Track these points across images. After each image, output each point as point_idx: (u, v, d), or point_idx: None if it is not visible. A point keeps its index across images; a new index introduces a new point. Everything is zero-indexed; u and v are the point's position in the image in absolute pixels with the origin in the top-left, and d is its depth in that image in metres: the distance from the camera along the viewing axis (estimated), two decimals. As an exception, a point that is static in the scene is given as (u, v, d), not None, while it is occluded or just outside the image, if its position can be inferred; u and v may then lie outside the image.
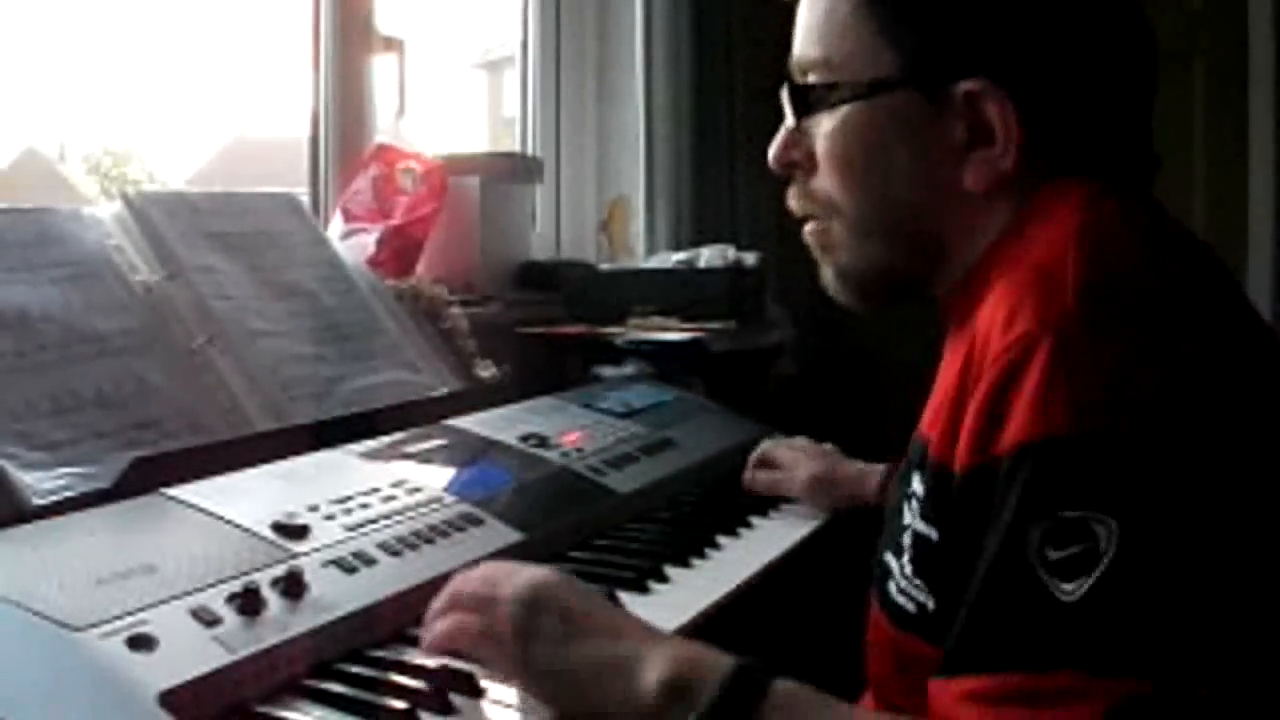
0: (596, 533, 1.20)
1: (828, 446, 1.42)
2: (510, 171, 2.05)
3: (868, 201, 0.85)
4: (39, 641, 0.75)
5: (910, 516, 0.79)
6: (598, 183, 2.54)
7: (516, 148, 2.44)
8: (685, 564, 1.13)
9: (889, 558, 0.82)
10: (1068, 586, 0.62)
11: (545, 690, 0.78)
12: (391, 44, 2.01)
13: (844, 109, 0.84)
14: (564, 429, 1.39)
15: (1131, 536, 0.62)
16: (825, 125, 0.85)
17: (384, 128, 1.99)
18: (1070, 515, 0.63)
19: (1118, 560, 0.62)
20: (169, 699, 0.73)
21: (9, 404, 1.02)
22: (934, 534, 0.75)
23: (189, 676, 0.76)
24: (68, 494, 0.98)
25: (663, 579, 1.08)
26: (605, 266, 2.29)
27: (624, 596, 1.02)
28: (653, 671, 0.72)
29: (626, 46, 2.46)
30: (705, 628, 1.00)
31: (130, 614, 0.79)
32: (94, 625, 0.77)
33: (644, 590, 1.05)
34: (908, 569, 0.78)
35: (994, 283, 0.78)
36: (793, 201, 0.90)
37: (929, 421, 0.80)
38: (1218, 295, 0.76)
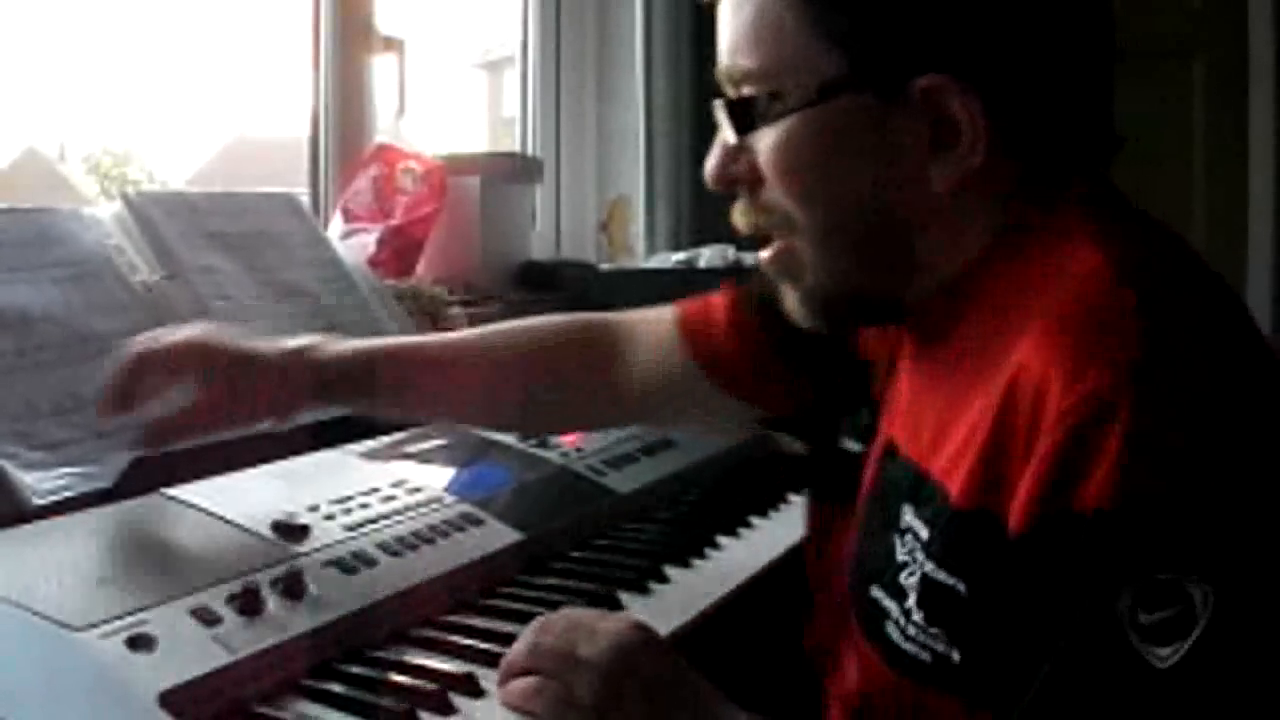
0: (596, 533, 1.20)
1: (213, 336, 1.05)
2: (510, 171, 2.05)
3: (828, 213, 0.77)
4: (39, 641, 0.75)
5: (906, 555, 0.75)
6: (598, 183, 2.54)
7: (516, 148, 2.44)
8: (685, 564, 1.13)
9: (881, 596, 0.78)
10: (1162, 652, 0.60)
11: None
12: (391, 44, 2.01)
13: (790, 119, 0.76)
14: (564, 429, 1.39)
15: (1226, 599, 0.60)
16: (769, 139, 0.77)
17: (384, 128, 1.99)
18: (1164, 577, 0.60)
19: (1214, 624, 0.59)
20: (169, 699, 0.73)
21: (9, 404, 1.02)
22: (960, 585, 0.71)
23: (189, 676, 0.76)
24: (68, 494, 0.98)
25: (663, 579, 1.08)
26: (605, 266, 2.29)
27: (624, 596, 1.03)
28: None
29: (626, 46, 2.46)
30: (705, 628, 1.01)
31: (130, 614, 0.79)
32: (94, 625, 0.77)
33: (644, 590, 1.05)
34: (916, 616, 0.74)
35: (999, 308, 0.74)
36: (740, 218, 0.82)
37: (935, 459, 0.75)
38: (1241, 317, 0.73)
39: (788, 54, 0.75)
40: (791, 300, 0.83)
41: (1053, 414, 0.65)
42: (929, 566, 0.73)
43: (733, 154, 0.80)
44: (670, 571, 1.10)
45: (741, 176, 0.80)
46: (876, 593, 0.78)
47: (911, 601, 0.74)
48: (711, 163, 0.81)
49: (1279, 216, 2.65)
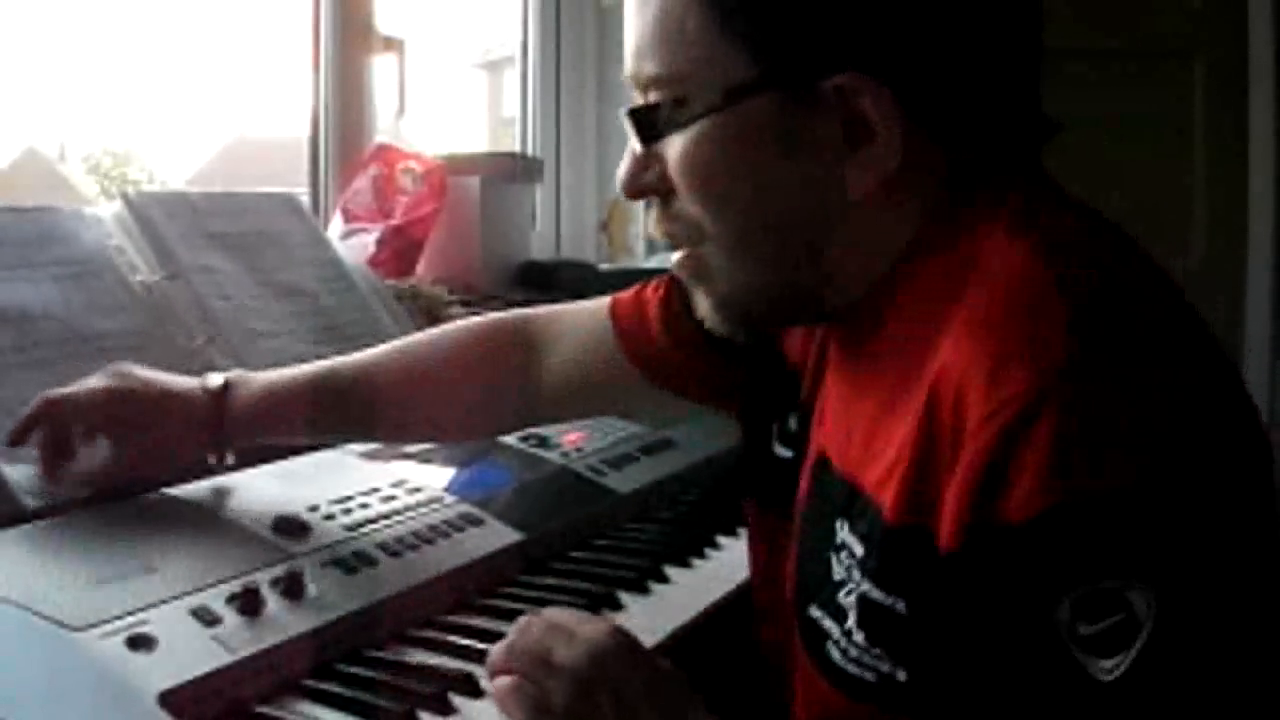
0: (596, 533, 1.20)
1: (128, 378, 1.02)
2: (510, 171, 2.05)
3: (740, 221, 0.74)
4: (39, 641, 0.75)
5: (844, 573, 0.73)
6: (598, 183, 2.54)
7: (516, 148, 2.44)
8: (685, 564, 1.13)
9: (820, 615, 0.75)
10: (1106, 664, 0.57)
11: None
12: (391, 44, 2.01)
13: (698, 125, 0.72)
14: (564, 429, 1.39)
15: (1169, 603, 0.57)
16: (677, 146, 0.74)
17: (384, 128, 1.99)
18: (1103, 585, 0.58)
19: (1158, 631, 0.57)
20: (169, 699, 0.73)
21: (8, 403, 1.02)
22: (899, 605, 0.68)
23: (189, 676, 0.76)
24: (68, 494, 0.98)
25: (663, 579, 1.08)
26: (605, 266, 2.29)
27: (624, 596, 1.03)
28: None
29: (626, 46, 2.46)
30: (705, 628, 1.01)
31: (130, 614, 0.79)
32: (94, 625, 0.77)
33: (644, 590, 1.05)
34: (858, 637, 0.71)
35: (923, 310, 0.71)
36: (654, 227, 0.80)
37: (867, 473, 0.73)
38: (1176, 304, 0.70)
39: (692, 57, 0.72)
40: (704, 306, 0.80)
41: (975, 420, 0.63)
42: (866, 586, 0.71)
43: (643, 163, 0.77)
44: (670, 571, 1.10)
45: (653, 186, 0.77)
46: (816, 612, 0.76)
47: (851, 622, 0.72)
48: (621, 172, 0.78)
49: (1279, 216, 2.65)
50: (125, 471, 0.99)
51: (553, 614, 0.78)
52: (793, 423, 0.89)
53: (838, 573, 0.74)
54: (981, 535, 0.62)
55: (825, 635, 0.74)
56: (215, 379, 1.03)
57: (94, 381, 0.99)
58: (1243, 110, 2.65)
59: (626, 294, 1.06)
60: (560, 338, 1.08)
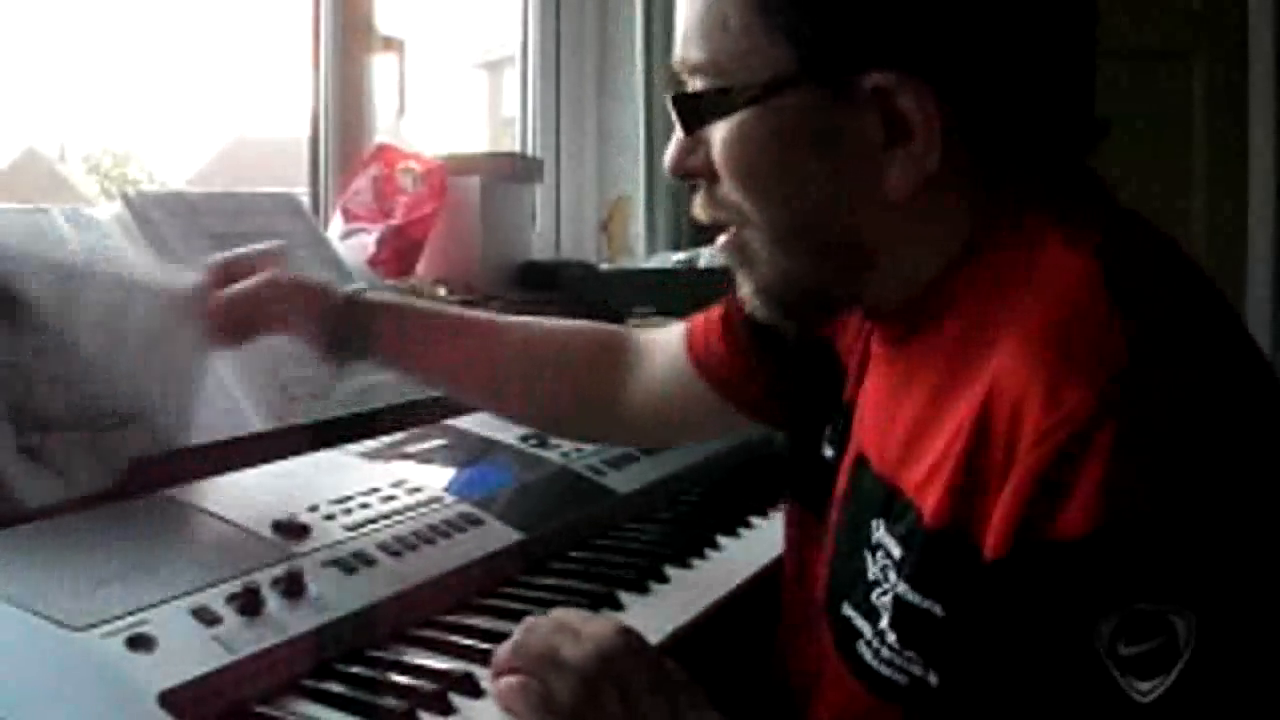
0: (596, 533, 1.20)
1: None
2: (510, 171, 2.05)
3: (780, 212, 0.75)
4: (39, 641, 0.75)
5: (878, 573, 0.73)
6: (598, 183, 2.54)
7: (516, 148, 2.44)
8: (685, 564, 1.13)
9: (853, 614, 0.76)
10: (1143, 686, 0.58)
11: None
12: (391, 44, 2.01)
13: (739, 115, 0.74)
14: (564, 429, 1.39)
15: (1211, 630, 0.58)
16: (720, 133, 0.75)
17: (384, 128, 1.99)
18: (1146, 607, 0.58)
19: (1197, 656, 0.57)
20: (169, 699, 0.73)
21: (9, 404, 1.02)
22: (936, 609, 0.69)
23: (189, 676, 0.76)
24: (68, 494, 0.98)
25: (663, 579, 1.08)
26: (605, 266, 2.29)
27: (624, 596, 1.03)
28: None
29: (626, 46, 2.46)
30: (705, 628, 1.01)
31: (130, 614, 0.79)
32: (94, 625, 0.77)
33: (644, 590, 1.05)
34: (890, 638, 0.72)
35: (977, 315, 0.71)
36: (699, 211, 0.81)
37: (908, 474, 0.73)
38: (1227, 318, 0.70)
39: (736, 48, 0.73)
40: (746, 290, 0.81)
41: (1031, 436, 0.63)
42: (902, 588, 0.71)
43: (690, 146, 0.78)
44: (670, 571, 1.10)
45: (698, 169, 0.78)
46: (848, 610, 0.76)
47: (885, 623, 0.72)
48: (669, 155, 0.80)
49: (1279, 217, 2.65)
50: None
51: (558, 614, 0.79)
52: (839, 422, 0.89)
53: (872, 572, 0.74)
54: (1030, 548, 0.62)
55: (857, 634, 0.75)
56: (354, 287, 1.10)
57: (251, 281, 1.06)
58: (1243, 110, 2.65)
59: (700, 314, 1.09)
60: (646, 359, 1.12)
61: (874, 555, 0.74)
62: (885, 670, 0.72)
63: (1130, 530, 0.59)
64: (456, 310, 1.19)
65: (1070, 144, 0.76)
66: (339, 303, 1.07)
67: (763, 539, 1.24)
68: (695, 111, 0.76)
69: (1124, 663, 0.58)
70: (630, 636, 0.76)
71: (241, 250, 1.11)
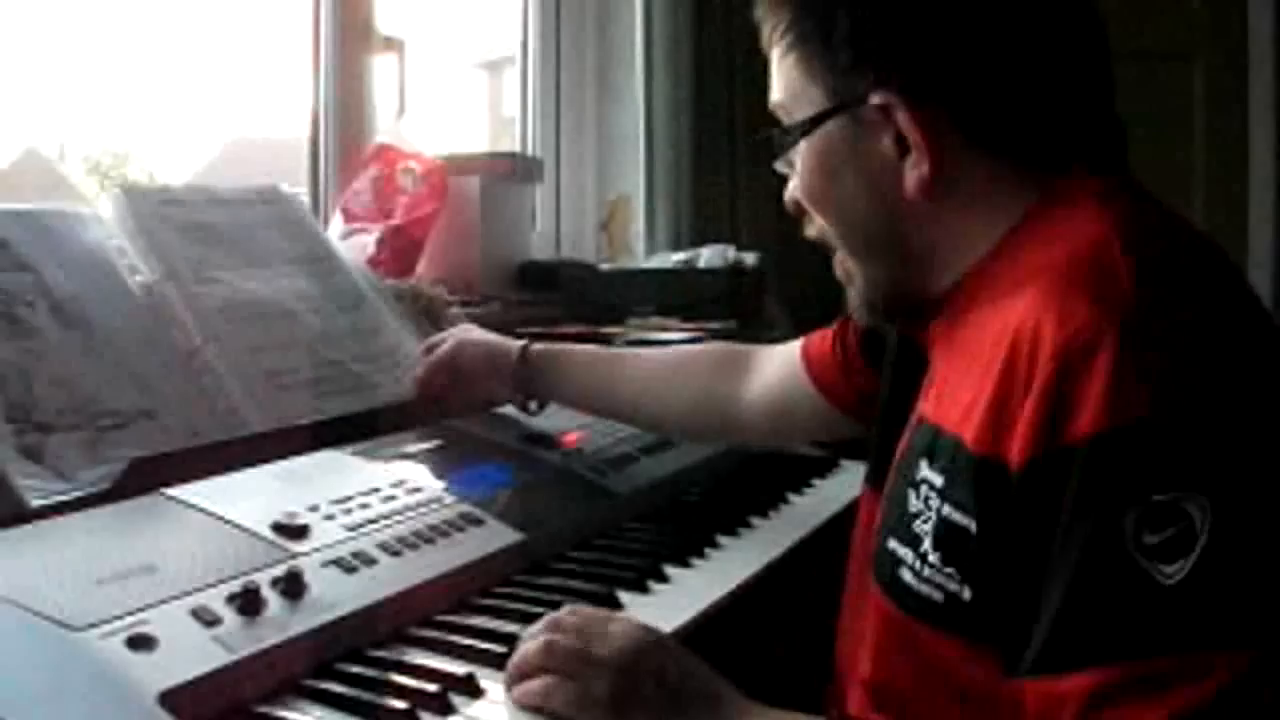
0: (596, 533, 1.20)
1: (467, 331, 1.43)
2: (510, 171, 2.05)
3: (844, 227, 0.89)
4: (39, 641, 0.75)
5: (922, 504, 0.79)
6: (598, 183, 2.55)
7: (516, 148, 2.44)
8: (685, 564, 1.13)
9: (896, 545, 0.82)
10: (1169, 569, 0.64)
11: None
12: (391, 44, 2.01)
13: (800, 147, 0.88)
14: (564, 429, 1.39)
15: (1224, 511, 0.64)
16: (796, 164, 0.90)
17: (384, 128, 1.99)
18: (1162, 498, 0.64)
19: (1214, 536, 0.63)
20: (169, 699, 0.73)
21: (9, 403, 1.02)
22: (972, 525, 0.75)
23: (189, 676, 0.76)
24: (68, 494, 0.98)
25: (663, 579, 1.08)
26: (605, 266, 2.29)
27: (624, 596, 1.03)
28: None
29: (626, 46, 2.46)
30: (705, 628, 1.01)
31: (130, 614, 0.79)
32: (94, 625, 0.77)
33: (644, 590, 1.05)
34: (932, 558, 0.78)
35: (1012, 278, 0.79)
36: (810, 233, 0.94)
37: (951, 413, 0.80)
38: (1239, 283, 0.78)
39: (791, 92, 0.88)
40: (853, 304, 0.94)
41: (1045, 353, 0.70)
42: (945, 509, 0.77)
43: (787, 180, 0.93)
44: (670, 571, 1.10)
45: (794, 200, 0.93)
46: (893, 544, 0.82)
47: (927, 545, 0.78)
48: (787, 193, 0.94)
49: (1279, 216, 2.65)
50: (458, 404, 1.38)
51: (582, 611, 0.87)
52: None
53: (914, 505, 0.80)
54: (1048, 455, 0.69)
55: (900, 562, 0.81)
56: (523, 343, 1.36)
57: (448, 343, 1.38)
58: (1243, 110, 2.65)
59: (817, 332, 1.24)
60: (763, 364, 1.29)
61: (917, 491, 0.80)
62: (924, 589, 0.78)
63: (1137, 430, 0.66)
64: (608, 351, 1.42)
65: (1096, 147, 0.84)
66: (516, 358, 1.33)
67: (763, 539, 1.24)
68: (776, 147, 0.91)
69: (1149, 550, 0.64)
70: (655, 632, 0.84)
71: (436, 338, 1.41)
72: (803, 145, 0.88)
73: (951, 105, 0.81)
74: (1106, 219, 0.77)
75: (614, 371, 1.33)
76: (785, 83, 0.88)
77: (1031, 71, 0.81)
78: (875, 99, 0.82)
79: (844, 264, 0.92)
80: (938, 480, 0.78)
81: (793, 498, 1.40)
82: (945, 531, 0.77)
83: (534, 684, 0.81)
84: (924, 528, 0.79)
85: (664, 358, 1.37)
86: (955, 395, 0.80)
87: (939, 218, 0.84)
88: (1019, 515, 0.71)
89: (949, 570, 0.76)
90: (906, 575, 0.80)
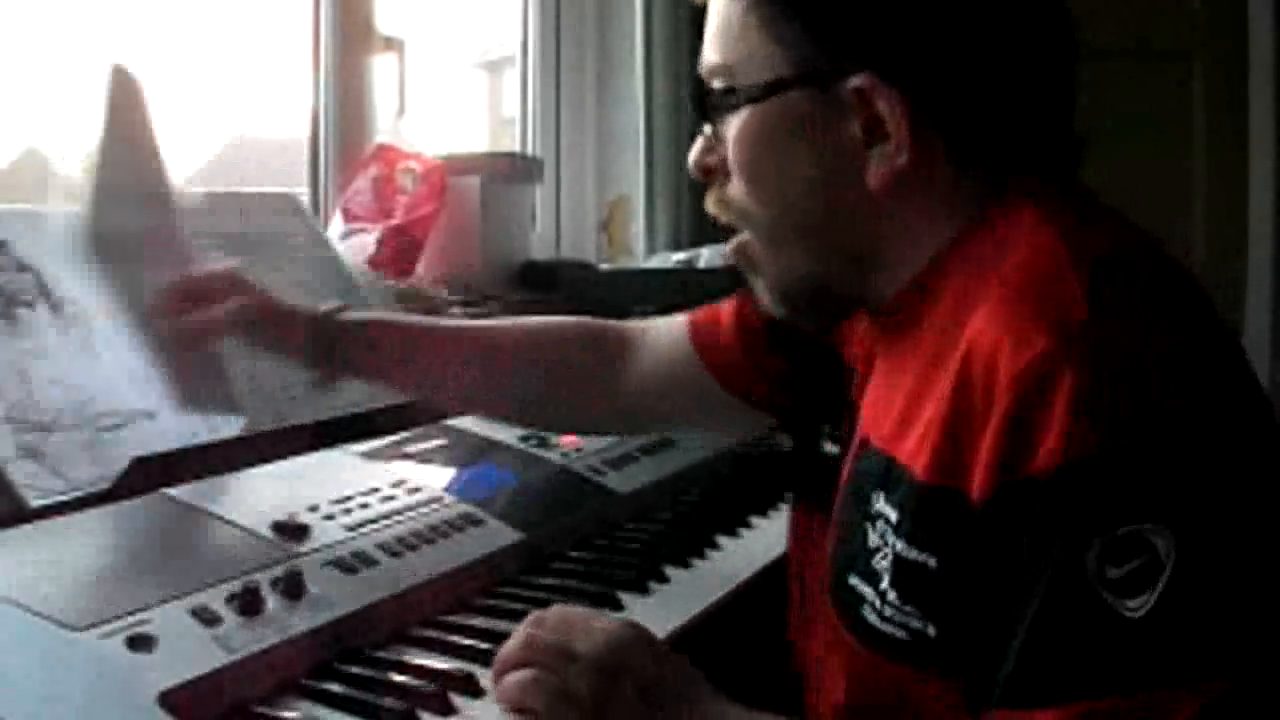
0: (596, 533, 1.20)
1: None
2: (510, 171, 2.05)
3: (775, 208, 0.82)
4: (39, 641, 0.75)
5: (879, 539, 0.76)
6: (598, 183, 2.54)
7: (516, 148, 2.44)
8: (685, 564, 1.13)
9: (856, 582, 0.79)
10: (1133, 603, 0.62)
11: None
12: (391, 44, 2.01)
13: (744, 113, 0.81)
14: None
15: (1188, 542, 0.62)
16: (731, 130, 0.83)
17: (384, 128, 1.99)
18: (1125, 530, 0.62)
19: (1178, 569, 0.61)
20: (169, 699, 0.73)
21: (10, 403, 1.02)
22: (931, 561, 0.72)
23: (189, 676, 0.76)
24: (68, 494, 0.98)
25: (663, 579, 1.08)
26: (605, 266, 2.29)
27: (624, 596, 1.03)
28: None
29: (626, 46, 2.46)
30: (705, 628, 1.01)
31: (130, 614, 0.79)
32: (94, 625, 0.77)
33: (644, 590, 1.05)
34: (891, 596, 0.75)
35: (959, 295, 0.75)
36: (709, 207, 0.89)
37: (903, 443, 0.76)
38: (1195, 294, 0.75)
39: (743, 53, 0.81)
40: (759, 290, 0.87)
41: (1003, 381, 0.67)
42: (900, 545, 0.74)
43: (709, 146, 0.86)
44: (670, 571, 1.10)
45: (715, 167, 0.86)
46: (853, 580, 0.79)
47: (885, 583, 0.75)
48: (692, 152, 0.87)
49: (1279, 217, 2.65)
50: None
51: (564, 609, 0.83)
52: (845, 421, 0.93)
53: (873, 540, 0.77)
54: (1010, 487, 0.66)
55: (861, 600, 0.78)
56: (331, 304, 1.12)
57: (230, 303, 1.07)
58: (1243, 110, 2.65)
59: (703, 309, 1.13)
60: (642, 348, 1.15)
61: (874, 525, 0.77)
62: (887, 629, 0.75)
63: (1100, 460, 0.63)
64: (430, 320, 1.22)
65: (1050, 153, 0.81)
66: (308, 323, 1.09)
67: (763, 539, 1.24)
68: (710, 107, 0.84)
69: (1112, 585, 0.62)
70: (640, 629, 0.80)
71: (206, 270, 1.10)
72: (745, 112, 0.81)
73: (934, 100, 0.76)
74: (1053, 229, 0.73)
75: (440, 350, 1.14)
76: (736, 41, 0.81)
77: (1016, 75, 0.78)
78: (856, 80, 0.76)
79: (750, 247, 0.86)
80: (893, 515, 0.75)
81: (793, 498, 1.40)
82: (901, 569, 0.74)
83: (513, 678, 0.78)
84: (883, 564, 0.76)
85: (505, 330, 1.18)
86: (905, 418, 0.77)
87: (891, 215, 0.79)
88: (982, 549, 0.68)
89: (909, 609, 0.74)
90: (869, 614, 0.77)
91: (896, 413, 0.79)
